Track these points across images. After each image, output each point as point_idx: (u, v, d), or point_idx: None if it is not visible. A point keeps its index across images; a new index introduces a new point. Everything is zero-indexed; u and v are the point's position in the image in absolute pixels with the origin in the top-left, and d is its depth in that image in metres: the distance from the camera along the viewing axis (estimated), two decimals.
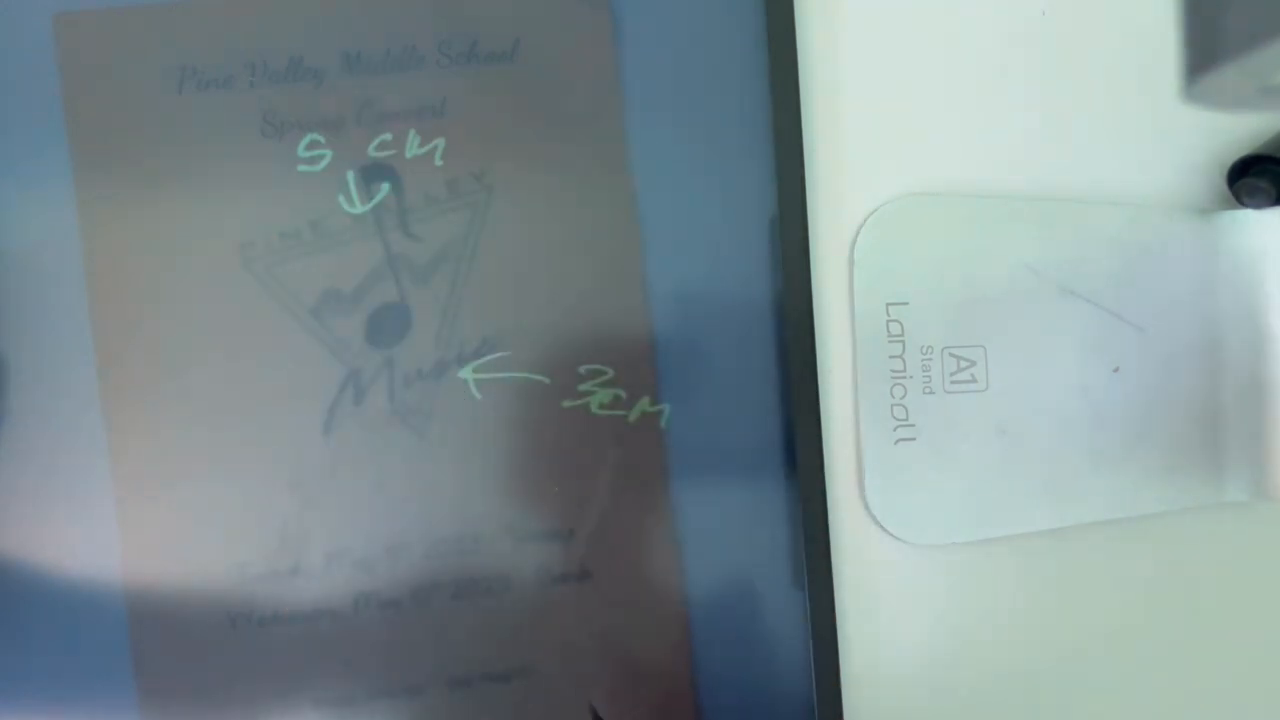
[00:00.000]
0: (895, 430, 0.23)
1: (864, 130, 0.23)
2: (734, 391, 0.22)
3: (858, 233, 0.23)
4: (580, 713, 0.22)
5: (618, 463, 0.22)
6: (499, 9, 0.22)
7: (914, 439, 0.23)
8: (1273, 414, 0.22)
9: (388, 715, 0.22)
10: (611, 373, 0.22)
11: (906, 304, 0.23)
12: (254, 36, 0.22)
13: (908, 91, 0.23)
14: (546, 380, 0.22)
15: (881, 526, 0.23)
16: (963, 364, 0.23)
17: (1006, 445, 0.23)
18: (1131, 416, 0.23)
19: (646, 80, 0.22)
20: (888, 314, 0.23)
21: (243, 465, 0.22)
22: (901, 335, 0.23)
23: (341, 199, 0.22)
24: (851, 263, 0.23)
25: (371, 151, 0.22)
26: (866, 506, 0.23)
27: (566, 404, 0.22)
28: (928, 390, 0.23)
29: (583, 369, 0.22)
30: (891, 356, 0.23)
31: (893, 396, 0.23)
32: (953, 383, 0.23)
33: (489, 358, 0.22)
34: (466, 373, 0.22)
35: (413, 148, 0.22)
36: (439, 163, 0.22)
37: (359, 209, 0.22)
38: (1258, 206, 0.22)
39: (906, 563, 0.23)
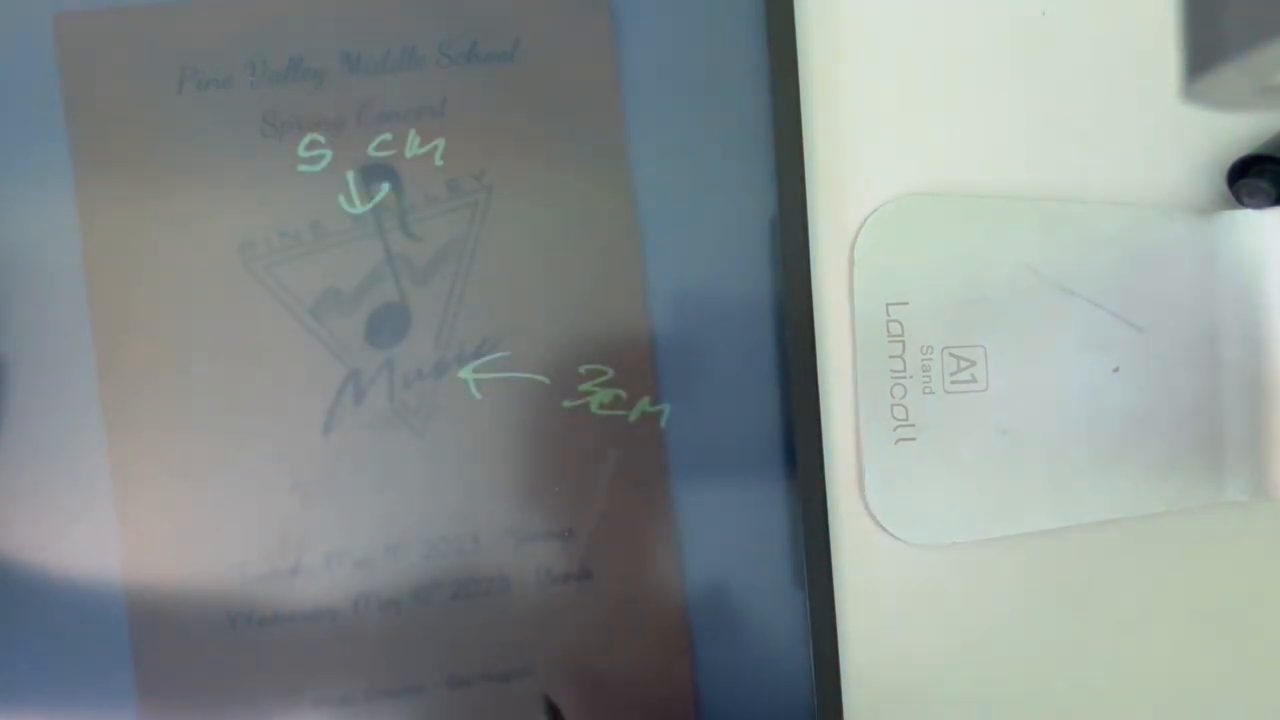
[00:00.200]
0: (895, 430, 0.23)
1: (864, 130, 0.23)
2: (734, 391, 0.22)
3: (858, 233, 0.23)
4: (580, 713, 0.22)
5: (618, 463, 0.22)
6: (499, 9, 0.22)
7: (914, 439, 0.23)
8: (1273, 414, 0.22)
9: (388, 715, 0.22)
10: (611, 373, 0.22)
11: (906, 304, 0.23)
12: (254, 36, 0.22)
13: (908, 92, 0.23)
14: (546, 380, 0.22)
15: (881, 526, 0.23)
16: (963, 364, 0.23)
17: (1007, 445, 0.23)
18: (1131, 416, 0.23)
19: (646, 80, 0.22)
20: (888, 314, 0.23)
21: (243, 465, 0.22)
22: (901, 335, 0.23)
23: (341, 199, 0.22)
24: (851, 263, 0.23)
25: (371, 151, 0.22)
26: (866, 506, 0.23)
27: (567, 404, 0.22)
28: (928, 390, 0.23)
29: (583, 369, 0.22)
30: (891, 356, 0.23)
31: (893, 396, 0.23)
32: (953, 383, 0.23)
33: (489, 358, 0.22)
34: (466, 373, 0.22)
35: (413, 148, 0.22)
36: (439, 163, 0.22)
37: (359, 209, 0.22)
38: (1258, 206, 0.22)
39: (906, 562, 0.23)
